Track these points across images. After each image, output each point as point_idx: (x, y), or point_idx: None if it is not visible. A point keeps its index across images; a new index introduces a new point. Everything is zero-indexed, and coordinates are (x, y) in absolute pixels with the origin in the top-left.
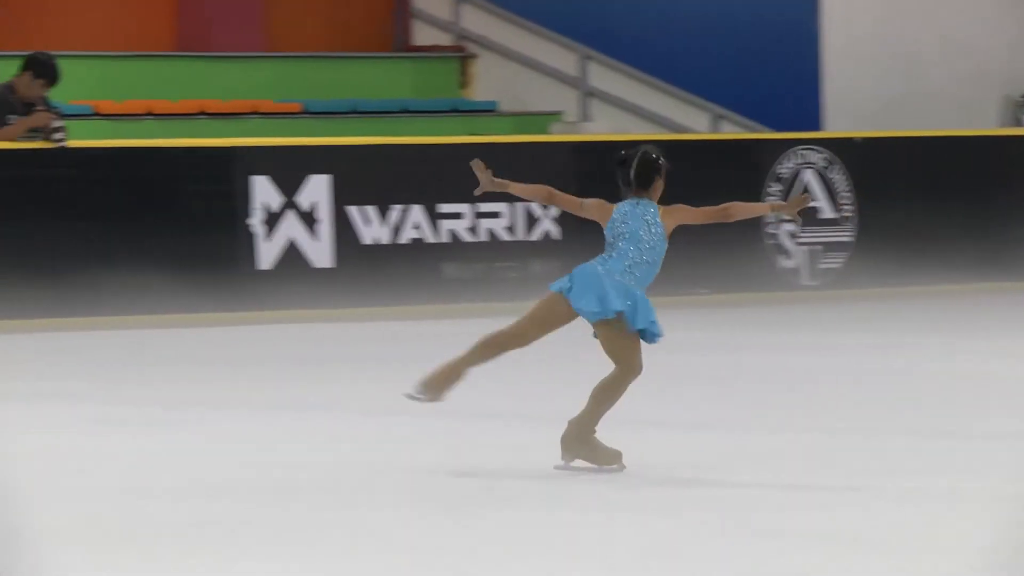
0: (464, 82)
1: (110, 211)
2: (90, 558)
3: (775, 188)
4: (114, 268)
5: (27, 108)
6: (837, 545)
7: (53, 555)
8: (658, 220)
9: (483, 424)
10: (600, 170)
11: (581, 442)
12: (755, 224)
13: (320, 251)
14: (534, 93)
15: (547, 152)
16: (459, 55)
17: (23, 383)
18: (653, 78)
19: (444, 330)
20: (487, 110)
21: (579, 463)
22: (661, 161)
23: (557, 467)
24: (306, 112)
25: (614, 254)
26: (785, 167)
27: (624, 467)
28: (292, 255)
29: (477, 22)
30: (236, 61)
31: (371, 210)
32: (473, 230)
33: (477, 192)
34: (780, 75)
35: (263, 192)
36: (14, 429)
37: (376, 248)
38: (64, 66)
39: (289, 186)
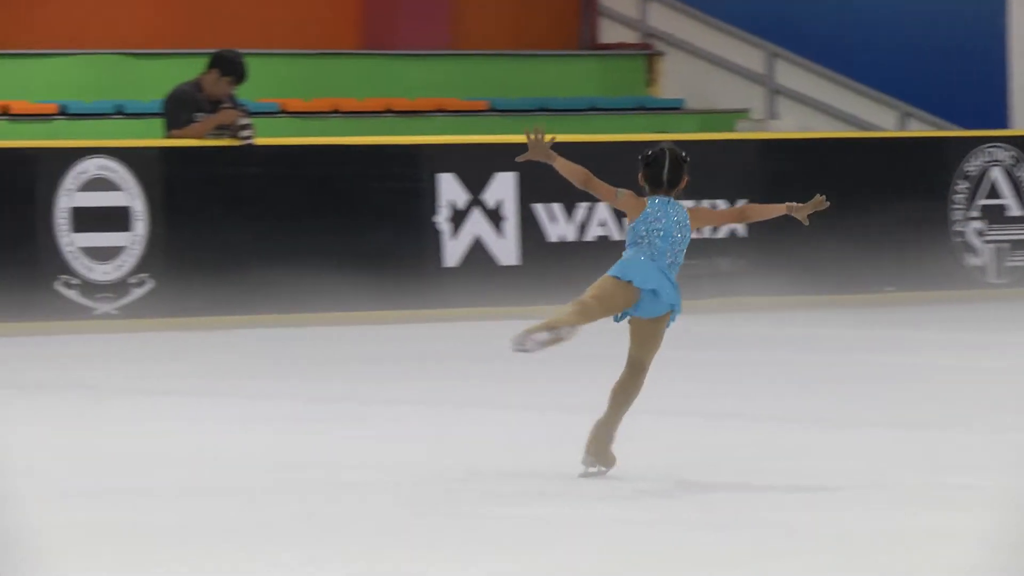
0: (651, 80)
1: (296, 209)
2: (302, 551)
3: (962, 186)
4: (300, 266)
5: (214, 106)
6: None
7: (268, 546)
8: (687, 222)
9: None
10: (787, 168)
11: (603, 445)
12: (942, 222)
13: (506, 248)
14: (720, 91)
15: (734, 150)
16: (646, 53)
17: (217, 381)
18: (840, 75)
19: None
20: (673, 108)
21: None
22: (688, 159)
23: (581, 474)
24: (492, 110)
25: (654, 252)
26: (972, 165)
27: (604, 470)
28: (478, 252)
29: (664, 20)
30: (422, 59)
31: (557, 207)
32: None
33: (520, 159)
34: (967, 72)
35: (449, 190)
36: (217, 425)
37: (562, 245)
38: (251, 64)
39: (475, 184)
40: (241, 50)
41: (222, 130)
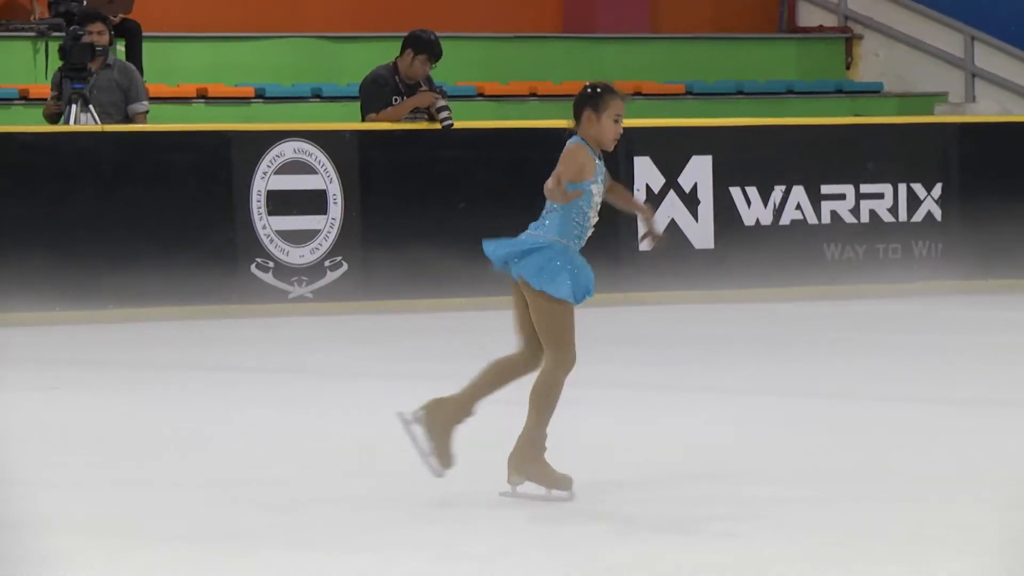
0: (849, 63)
1: (491, 193)
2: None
3: None
4: None
5: (411, 88)
6: None
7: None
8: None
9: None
10: (985, 152)
11: (530, 462)
12: None
13: (701, 232)
14: (919, 74)
15: (932, 133)
16: (844, 36)
17: (411, 364)
18: None
19: (826, 311)
20: (872, 91)
21: (528, 486)
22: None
23: (503, 493)
24: (689, 93)
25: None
26: None
27: (573, 494)
28: (672, 236)
29: (863, 3)
30: (620, 43)
31: (752, 191)
32: (855, 211)
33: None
34: None
35: (645, 172)
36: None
37: (757, 229)
38: (450, 48)
39: (671, 167)
40: (439, 33)
41: (419, 113)
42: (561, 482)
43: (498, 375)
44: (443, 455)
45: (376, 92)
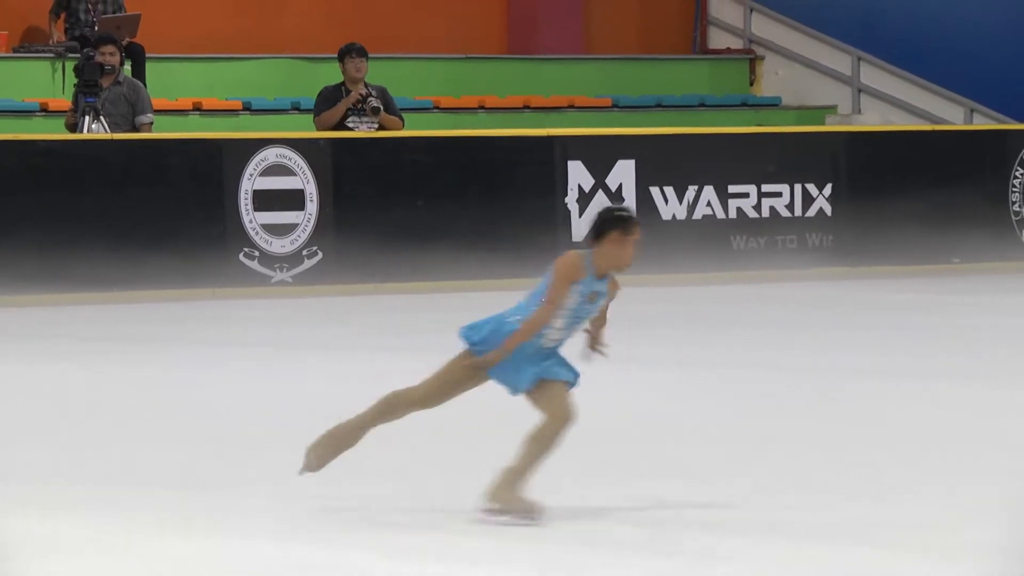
0: (752, 80)
1: (446, 192)
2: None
3: (1021, 172)
4: (448, 241)
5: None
6: None
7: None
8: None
9: None
10: (869, 157)
11: (510, 491)
12: (1003, 203)
13: None
14: (813, 89)
15: (824, 141)
16: (748, 57)
17: (384, 338)
18: (916, 76)
19: (733, 293)
20: (772, 104)
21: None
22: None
23: (482, 513)
24: (616, 106)
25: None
26: None
27: (537, 518)
28: None
29: (764, 28)
30: (557, 62)
31: (670, 190)
32: (758, 208)
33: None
34: None
35: (577, 175)
36: (386, 378)
37: (674, 223)
38: (410, 67)
39: (600, 170)
40: (401, 55)
41: (359, 110)
42: (533, 509)
43: (392, 408)
44: (316, 460)
45: (320, 102)
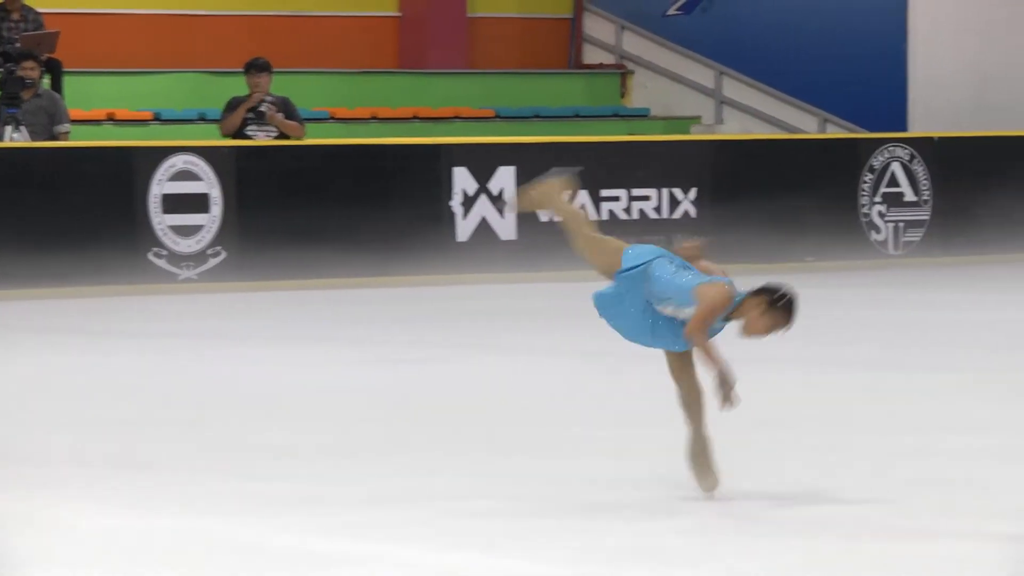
0: (624, 92)
1: (341, 195)
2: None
3: (869, 177)
4: (344, 241)
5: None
6: None
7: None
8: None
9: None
10: (731, 164)
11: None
12: (853, 205)
13: (506, 227)
14: (679, 101)
15: (689, 149)
16: (620, 71)
17: (285, 330)
18: (774, 89)
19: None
20: (642, 115)
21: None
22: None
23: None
24: (498, 117)
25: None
26: (877, 160)
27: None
28: (484, 230)
29: (635, 44)
30: (443, 76)
31: None
32: (628, 211)
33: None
34: (874, 86)
35: (462, 180)
36: (290, 367)
37: (551, 225)
38: (308, 80)
39: (483, 175)
40: (301, 69)
41: (258, 117)
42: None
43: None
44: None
45: (226, 110)
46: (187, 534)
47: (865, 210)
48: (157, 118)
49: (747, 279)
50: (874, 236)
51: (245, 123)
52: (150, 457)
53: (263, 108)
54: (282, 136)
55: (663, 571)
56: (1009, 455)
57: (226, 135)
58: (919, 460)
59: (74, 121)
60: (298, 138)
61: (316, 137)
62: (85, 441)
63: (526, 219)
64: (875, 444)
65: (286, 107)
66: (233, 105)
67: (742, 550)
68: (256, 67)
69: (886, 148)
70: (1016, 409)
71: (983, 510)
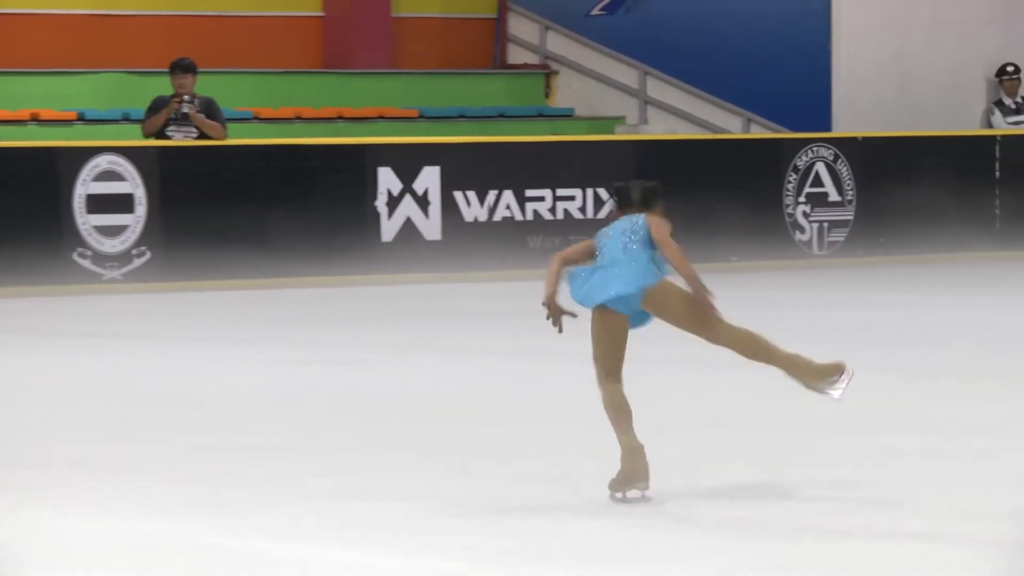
0: (548, 93)
1: (266, 195)
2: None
3: (793, 177)
4: (268, 241)
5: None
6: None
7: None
8: (639, 227)
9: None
10: (656, 164)
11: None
12: (777, 205)
13: (431, 227)
14: (603, 101)
15: (613, 149)
16: (544, 72)
17: (204, 331)
18: (698, 89)
19: (528, 289)
20: (566, 115)
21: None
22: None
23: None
24: (422, 117)
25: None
26: (801, 160)
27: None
28: (408, 230)
29: (559, 45)
30: (368, 76)
31: (472, 194)
32: (552, 210)
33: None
34: (799, 88)
35: (387, 180)
36: (212, 367)
37: (476, 225)
38: (232, 80)
39: (407, 175)
40: (225, 69)
41: (181, 118)
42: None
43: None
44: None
45: (150, 110)
46: (115, 534)
47: (789, 210)
48: (81, 118)
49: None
50: (799, 236)
51: (166, 123)
52: (77, 458)
53: (185, 109)
54: (203, 137)
55: (593, 571)
56: (939, 454)
57: (147, 136)
58: (851, 460)
59: None
60: (219, 139)
61: (240, 137)
62: (6, 442)
63: (451, 218)
64: (807, 443)
65: (210, 108)
66: (157, 106)
67: (674, 550)
68: (181, 67)
69: (810, 148)
70: (945, 409)
71: (919, 509)
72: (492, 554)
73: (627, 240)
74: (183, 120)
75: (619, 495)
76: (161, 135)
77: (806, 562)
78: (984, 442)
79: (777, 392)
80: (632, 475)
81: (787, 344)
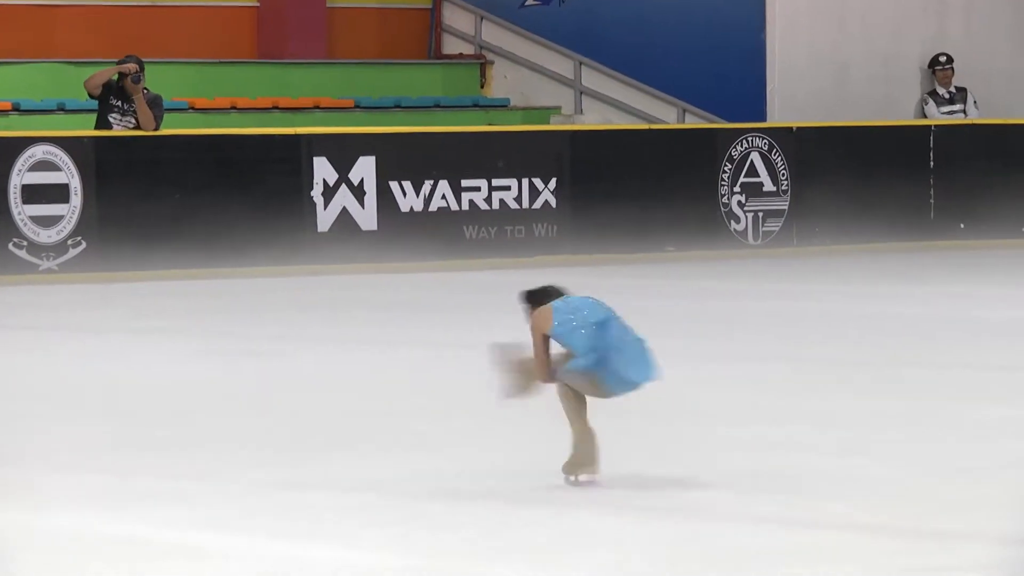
0: (483, 83)
1: (202, 185)
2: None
3: (728, 167)
4: (204, 231)
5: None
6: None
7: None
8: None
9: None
10: (591, 154)
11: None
12: (713, 195)
13: (367, 218)
14: (538, 91)
15: (548, 139)
16: (479, 62)
17: (140, 321)
18: (633, 79)
19: (464, 280)
20: (501, 105)
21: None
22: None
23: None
24: (357, 107)
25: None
26: (736, 150)
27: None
28: (344, 220)
29: (494, 35)
30: (303, 66)
31: (408, 184)
32: (488, 200)
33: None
34: (734, 78)
35: (322, 170)
36: (141, 358)
37: (411, 215)
38: (167, 70)
39: (343, 165)
40: (161, 59)
41: (124, 98)
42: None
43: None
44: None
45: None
46: (34, 526)
47: (725, 200)
48: (16, 108)
49: (608, 269)
50: (734, 226)
51: (110, 108)
52: (9, 452)
53: (135, 81)
54: (139, 126)
55: (523, 559)
56: (849, 447)
57: (90, 88)
58: (761, 451)
59: None
60: (147, 130)
61: (176, 127)
62: None
63: (386, 209)
64: (724, 435)
65: (155, 101)
66: (108, 86)
67: (621, 536)
68: (132, 60)
69: (745, 138)
70: (866, 401)
71: (835, 498)
72: (425, 545)
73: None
74: (126, 110)
75: (572, 478)
76: (104, 122)
77: (752, 552)
78: (895, 435)
79: (687, 386)
80: (584, 458)
81: (709, 332)
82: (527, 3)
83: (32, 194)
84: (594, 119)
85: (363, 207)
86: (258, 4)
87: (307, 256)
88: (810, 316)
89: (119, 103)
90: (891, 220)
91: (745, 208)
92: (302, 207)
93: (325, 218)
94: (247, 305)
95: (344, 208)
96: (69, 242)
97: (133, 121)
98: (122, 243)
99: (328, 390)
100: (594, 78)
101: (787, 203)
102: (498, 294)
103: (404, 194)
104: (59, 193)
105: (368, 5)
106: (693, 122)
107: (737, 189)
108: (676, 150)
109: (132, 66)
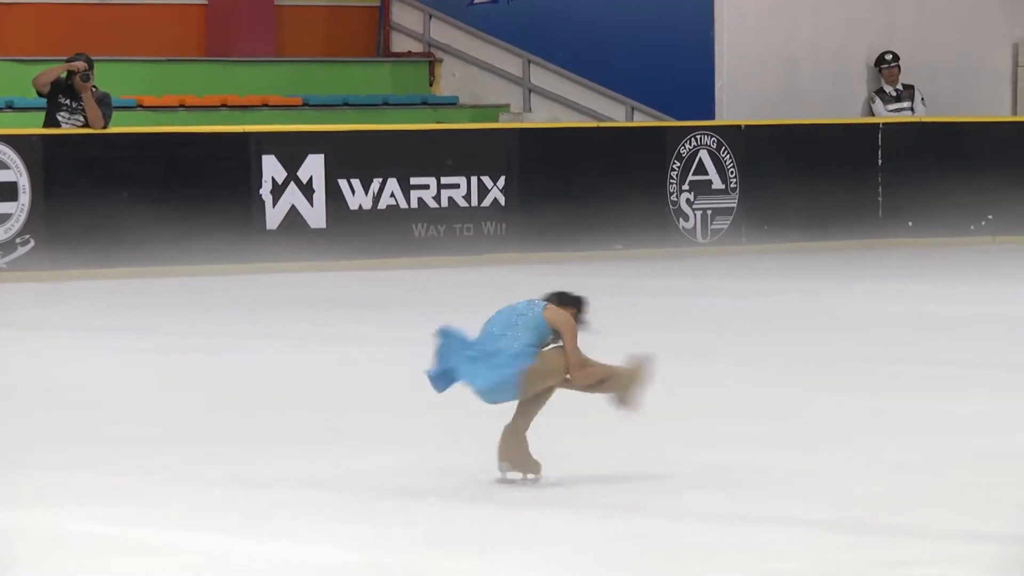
0: (432, 81)
1: (150, 183)
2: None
3: (677, 165)
4: (153, 229)
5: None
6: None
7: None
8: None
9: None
10: (539, 151)
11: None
12: (661, 193)
13: (316, 215)
14: (487, 89)
15: (497, 137)
16: (428, 59)
17: (90, 319)
18: (581, 77)
19: (414, 278)
20: (450, 103)
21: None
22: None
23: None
24: (306, 105)
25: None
26: (685, 148)
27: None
28: (293, 218)
29: (443, 33)
30: (251, 64)
31: (357, 182)
32: (437, 198)
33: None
34: (682, 76)
35: (271, 168)
36: (91, 356)
37: (360, 213)
38: (116, 68)
39: (292, 163)
40: (109, 57)
41: (72, 95)
42: (533, 467)
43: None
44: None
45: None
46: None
47: (673, 198)
48: None
49: (558, 267)
50: (682, 224)
51: (59, 106)
52: None
53: (84, 80)
54: (87, 124)
55: (470, 554)
56: (803, 443)
57: (38, 86)
58: (709, 447)
59: None
60: (95, 128)
61: (124, 125)
62: None
63: (335, 207)
64: (671, 431)
65: (104, 99)
66: (58, 83)
67: (548, 536)
68: (82, 58)
69: (693, 136)
70: (817, 397)
71: (783, 493)
72: (370, 540)
73: (516, 319)
74: (75, 108)
75: (501, 474)
76: (52, 120)
77: (700, 549)
78: (845, 430)
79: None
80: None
81: (656, 329)
82: (475, 1)
83: None
84: (543, 117)
85: (312, 205)
86: (207, 2)
87: (256, 254)
88: (759, 314)
89: (68, 101)
90: (840, 218)
91: (694, 206)
92: (251, 205)
93: (274, 216)
94: (197, 303)
95: (293, 206)
96: (18, 240)
97: (82, 119)
98: (71, 241)
99: (279, 387)
100: (543, 76)
101: (736, 201)
102: (448, 291)
103: (353, 192)
104: (7, 191)
105: (316, 3)
106: (642, 120)
107: (686, 187)
108: (625, 148)
109: (81, 64)
